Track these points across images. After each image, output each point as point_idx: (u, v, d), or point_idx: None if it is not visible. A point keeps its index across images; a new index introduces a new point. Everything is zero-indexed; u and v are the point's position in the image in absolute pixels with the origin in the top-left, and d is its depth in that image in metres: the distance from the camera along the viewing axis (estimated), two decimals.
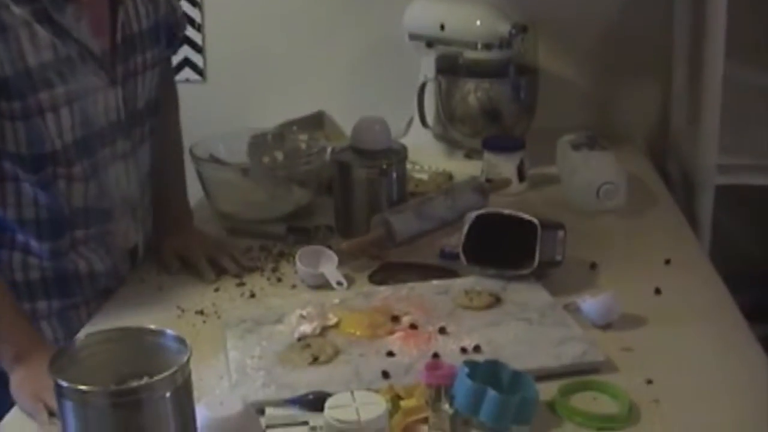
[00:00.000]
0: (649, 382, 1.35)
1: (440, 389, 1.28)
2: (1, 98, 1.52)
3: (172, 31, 1.86)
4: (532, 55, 2.36)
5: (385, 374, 1.36)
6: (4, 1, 1.50)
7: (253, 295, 1.67)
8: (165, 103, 1.87)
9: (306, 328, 1.49)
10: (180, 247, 1.81)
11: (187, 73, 2.58)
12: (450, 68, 2.23)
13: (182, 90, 2.55)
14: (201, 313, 1.60)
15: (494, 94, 2.17)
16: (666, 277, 1.67)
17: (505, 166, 2.05)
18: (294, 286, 1.70)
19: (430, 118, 2.27)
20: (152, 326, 1.16)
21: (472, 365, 1.31)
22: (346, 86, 2.52)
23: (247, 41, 2.55)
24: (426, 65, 2.27)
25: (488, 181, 2.03)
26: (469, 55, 2.19)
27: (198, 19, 2.53)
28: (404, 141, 2.31)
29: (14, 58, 1.50)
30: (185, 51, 2.55)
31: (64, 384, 1.05)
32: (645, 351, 1.44)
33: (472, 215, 1.69)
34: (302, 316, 1.53)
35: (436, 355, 1.40)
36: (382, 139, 1.90)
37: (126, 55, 1.67)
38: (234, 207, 2.00)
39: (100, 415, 1.05)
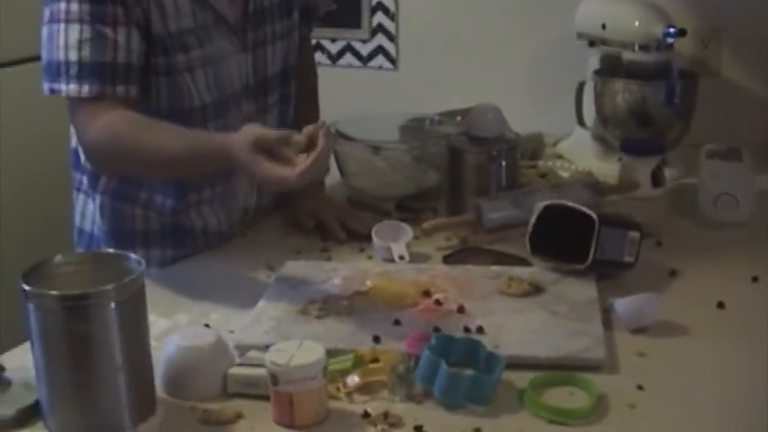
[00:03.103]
0: (640, 388, 1.29)
1: (412, 357, 1.30)
2: (149, 53, 1.67)
3: (309, 8, 1.97)
4: (715, 62, 2.25)
5: (376, 339, 1.39)
6: None
7: (329, 259, 1.75)
8: (304, 76, 1.99)
9: (334, 288, 1.55)
10: (315, 207, 1.91)
11: (380, 60, 2.69)
12: (610, 69, 2.17)
13: (375, 77, 2.71)
14: (270, 268, 1.70)
15: (643, 97, 2.09)
16: (742, 294, 1.56)
17: (639, 169, 1.98)
18: (370, 257, 1.75)
19: (590, 118, 2.23)
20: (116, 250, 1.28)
21: (443, 338, 1.31)
22: (521, 79, 2.52)
23: (438, 31, 2.61)
24: (589, 65, 2.23)
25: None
26: (627, 56, 2.13)
27: (392, 8, 2.63)
28: (567, 140, 2.33)
29: (158, 22, 1.67)
30: (379, 39, 2.67)
31: (27, 288, 1.18)
32: (658, 359, 1.37)
33: (541, 205, 1.66)
34: (343, 278, 1.59)
35: (436, 329, 1.41)
36: (495, 127, 1.91)
37: (257, 24, 1.79)
38: (363, 182, 2.08)
39: (54, 318, 1.18)
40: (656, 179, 1.98)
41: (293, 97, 1.94)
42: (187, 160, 1.59)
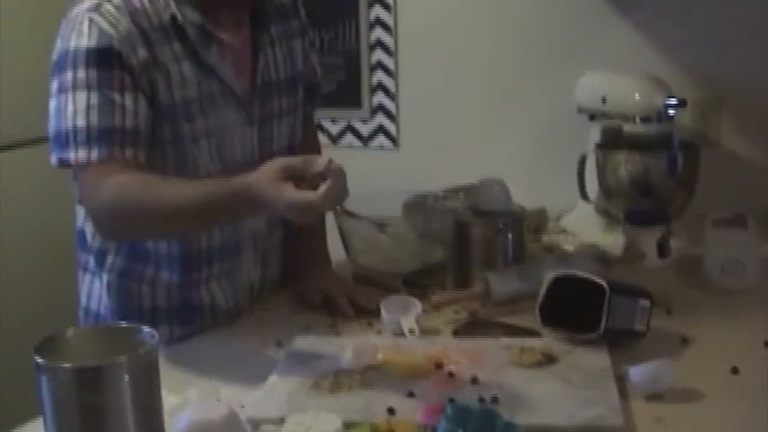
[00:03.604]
0: None
1: (429, 428, 1.29)
2: (156, 122, 1.67)
3: (312, 88, 2.00)
4: (714, 132, 2.27)
5: (391, 411, 1.38)
6: (164, 39, 1.69)
7: (337, 335, 1.74)
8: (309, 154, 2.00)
9: (345, 362, 1.53)
10: (322, 283, 1.91)
11: (380, 140, 2.71)
12: (611, 142, 2.19)
13: (376, 157, 2.73)
14: (279, 344, 1.69)
15: (645, 168, 2.10)
16: (755, 359, 1.55)
17: (644, 239, 1.98)
18: (379, 332, 1.74)
19: (593, 192, 2.24)
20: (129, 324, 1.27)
21: (460, 408, 1.30)
22: (522, 155, 2.54)
23: (438, 109, 2.64)
24: (590, 139, 2.25)
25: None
26: (629, 128, 2.15)
27: (392, 88, 2.67)
28: (571, 214, 2.34)
29: (164, 91, 1.68)
30: (380, 119, 2.69)
31: (39, 360, 1.17)
32: (675, 425, 1.35)
33: (551, 276, 1.66)
34: (354, 353, 1.57)
35: (451, 400, 1.39)
36: (501, 200, 1.92)
37: (264, 97, 1.81)
38: (368, 259, 2.08)
39: (67, 390, 1.16)
40: (662, 249, 1.98)
41: None
42: (207, 208, 1.56)
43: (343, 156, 2.69)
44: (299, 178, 1.46)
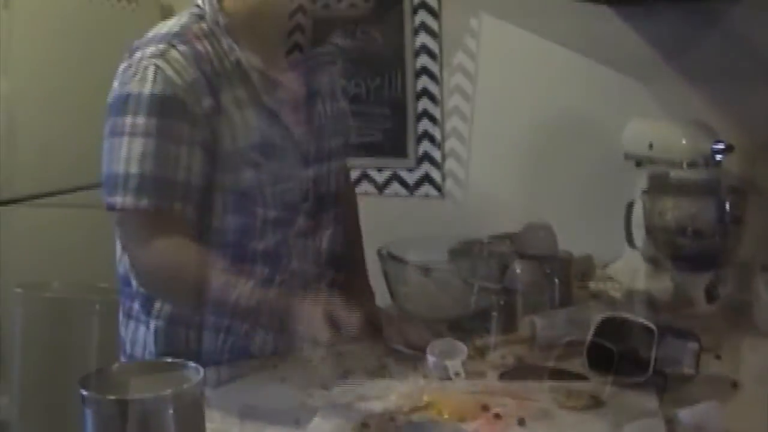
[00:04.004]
0: None
1: None
2: (217, 170, 1.68)
3: (346, 135, 2.00)
4: (762, 177, 2.26)
5: None
6: (228, 86, 1.70)
7: (383, 377, 1.73)
8: (347, 201, 2.01)
9: (391, 404, 1.53)
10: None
11: (426, 188, 2.72)
12: (658, 188, 2.18)
13: (422, 205, 2.73)
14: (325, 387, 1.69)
15: (692, 213, 2.08)
16: None
17: (692, 285, 1.97)
18: (425, 376, 1.73)
19: (640, 239, 2.22)
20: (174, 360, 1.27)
21: None
22: (568, 203, 2.53)
23: (483, 157, 2.65)
24: (637, 185, 2.24)
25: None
26: (676, 174, 2.13)
27: (438, 137, 2.68)
28: (618, 262, 2.32)
29: (227, 139, 1.69)
30: (425, 167, 2.70)
31: (85, 393, 1.18)
32: None
33: (599, 318, 1.65)
34: (399, 395, 1.57)
35: None
36: (547, 245, 1.91)
37: (318, 138, 1.83)
38: (413, 305, 2.07)
39: (113, 424, 1.17)
40: (710, 295, 1.96)
41: (344, 217, 1.96)
42: (249, 312, 1.65)
43: (389, 204, 2.74)
44: None
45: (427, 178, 2.71)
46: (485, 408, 1.51)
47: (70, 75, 2.63)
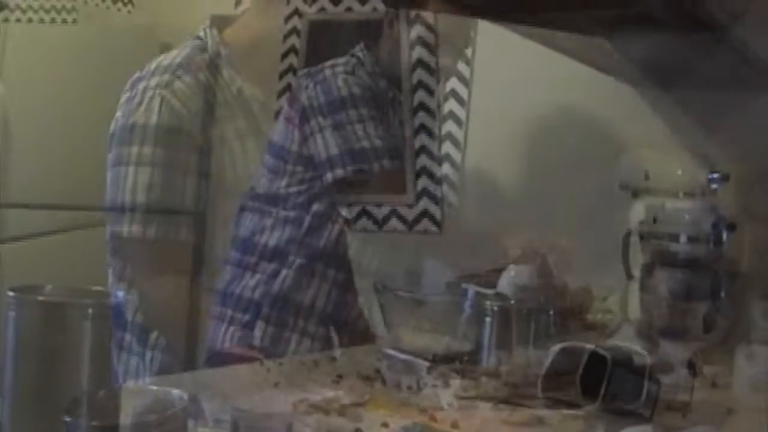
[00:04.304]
0: None
1: None
2: (219, 197, 1.73)
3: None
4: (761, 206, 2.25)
5: None
6: (230, 116, 1.72)
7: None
8: None
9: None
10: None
11: (425, 224, 2.70)
12: (653, 218, 2.17)
13: (419, 241, 2.72)
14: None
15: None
16: None
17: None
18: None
19: (638, 269, 2.20)
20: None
21: None
22: (565, 234, 2.52)
23: (482, 191, 2.65)
24: (634, 216, 2.23)
25: None
26: (672, 204, 2.12)
27: (437, 173, 2.67)
28: (615, 295, 2.31)
29: (229, 167, 1.71)
30: (425, 203, 2.69)
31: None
32: None
33: (556, 348, 1.64)
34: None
35: None
36: (542, 274, 1.90)
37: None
38: (408, 337, 2.06)
39: (32, 325, 1.16)
40: (707, 324, 1.95)
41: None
42: None
43: (387, 239, 2.73)
44: None
45: (426, 214, 2.70)
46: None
47: (67, 84, 2.65)
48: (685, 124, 2.34)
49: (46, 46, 2.66)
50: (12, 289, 1.16)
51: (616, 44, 2.33)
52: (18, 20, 2.60)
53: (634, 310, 2.19)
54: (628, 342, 2.10)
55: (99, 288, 1.30)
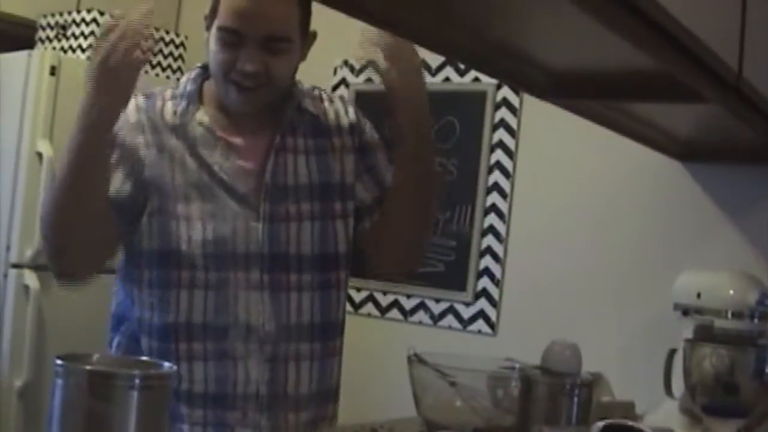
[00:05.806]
0: None
1: None
2: (142, 194, 1.73)
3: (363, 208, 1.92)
4: None
5: None
6: (166, 129, 1.79)
7: None
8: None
9: None
10: None
11: (479, 324, 2.72)
12: (701, 336, 2.14)
13: (472, 340, 2.74)
14: None
15: (731, 363, 2.03)
16: None
17: (720, 430, 1.90)
18: None
19: (678, 388, 2.17)
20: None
21: None
22: (615, 350, 2.50)
23: (539, 298, 2.66)
24: (682, 334, 2.21)
25: None
26: (720, 324, 2.10)
27: (498, 274, 2.70)
28: (655, 413, 2.26)
29: (164, 172, 1.75)
30: (482, 303, 2.71)
31: (59, 361, 1.21)
32: None
33: (600, 424, 1.61)
34: None
35: None
36: (572, 363, 1.89)
37: (274, 199, 1.79)
38: (437, 414, 2.05)
39: (79, 393, 1.20)
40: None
41: (344, 283, 1.89)
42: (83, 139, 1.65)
43: (441, 335, 2.74)
44: None
45: (481, 314, 2.72)
46: None
47: None
48: (744, 247, 2.33)
49: None
50: (59, 357, 1.23)
51: (690, 168, 2.36)
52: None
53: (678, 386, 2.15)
54: (670, 417, 2.09)
55: (145, 358, 1.35)
